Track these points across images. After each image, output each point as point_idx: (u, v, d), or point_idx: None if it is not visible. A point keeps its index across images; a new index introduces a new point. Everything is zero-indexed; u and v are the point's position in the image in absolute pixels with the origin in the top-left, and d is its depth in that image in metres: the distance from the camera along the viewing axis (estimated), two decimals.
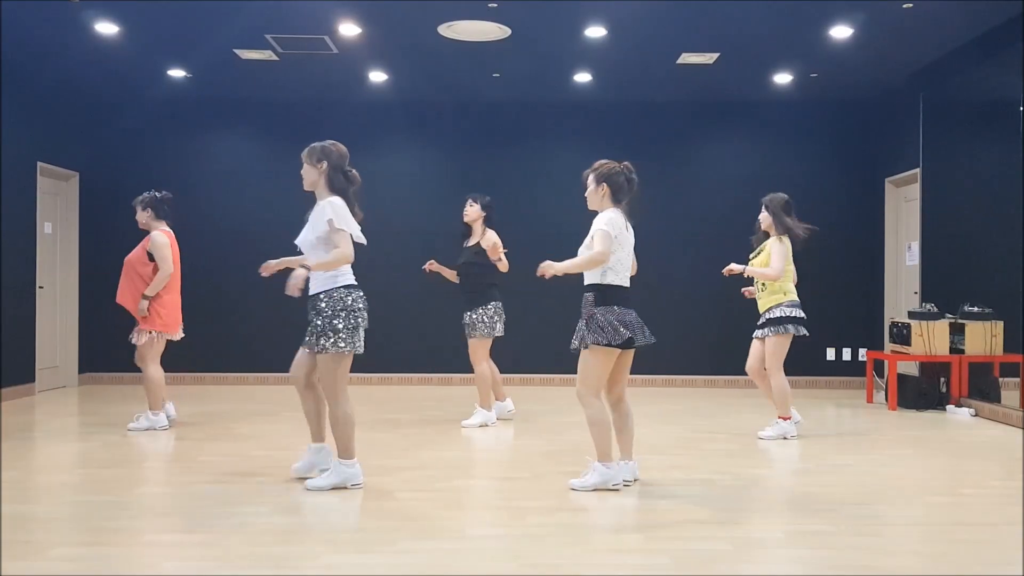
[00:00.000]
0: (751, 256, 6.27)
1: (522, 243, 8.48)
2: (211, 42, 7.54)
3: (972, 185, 7.92)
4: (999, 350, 7.42)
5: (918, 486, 4.75)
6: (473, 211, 6.68)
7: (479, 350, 6.62)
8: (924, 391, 7.62)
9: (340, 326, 4.37)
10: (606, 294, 4.49)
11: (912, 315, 7.76)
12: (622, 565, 3.35)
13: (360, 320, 4.46)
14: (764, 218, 6.18)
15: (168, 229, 6.40)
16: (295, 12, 6.81)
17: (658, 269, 9.34)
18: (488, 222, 6.71)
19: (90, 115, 9.37)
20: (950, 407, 7.48)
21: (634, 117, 9.52)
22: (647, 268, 9.48)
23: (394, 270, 9.08)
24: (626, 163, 4.60)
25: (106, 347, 9.35)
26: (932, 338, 7.55)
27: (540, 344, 9.19)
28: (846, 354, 9.51)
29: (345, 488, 4.51)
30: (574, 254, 4.62)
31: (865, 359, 9.20)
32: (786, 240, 6.06)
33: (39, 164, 8.50)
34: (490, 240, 6.58)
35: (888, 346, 8.28)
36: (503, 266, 6.58)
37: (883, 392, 8.19)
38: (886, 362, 8.25)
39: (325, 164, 4.49)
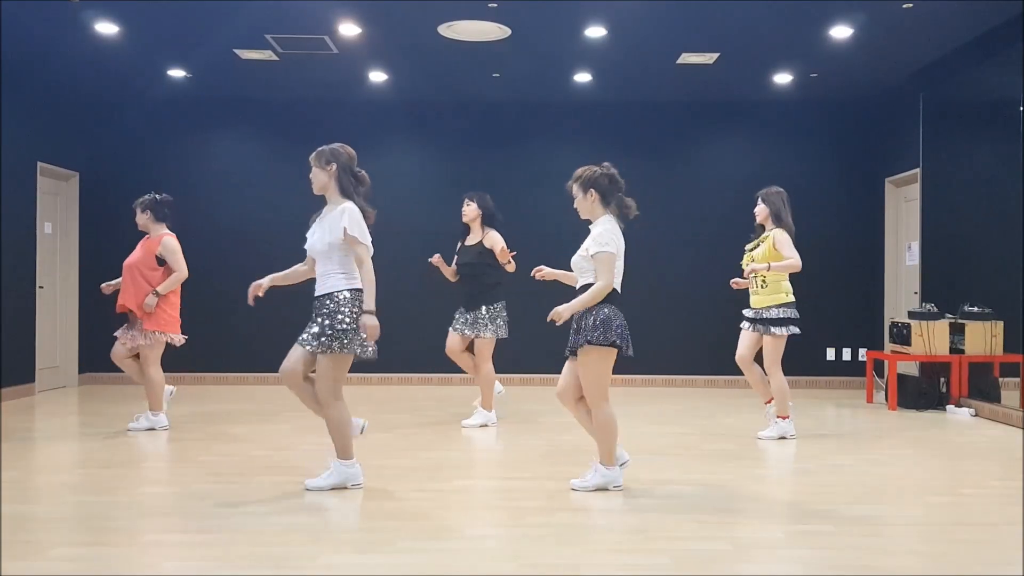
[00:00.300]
0: (748, 248, 6.28)
1: (522, 243, 8.46)
2: (211, 42, 7.54)
3: (972, 185, 7.92)
4: (999, 350, 7.42)
5: (918, 486, 4.75)
6: (470, 210, 6.64)
7: (486, 350, 6.60)
8: (924, 391, 7.62)
9: (347, 328, 4.38)
10: (610, 294, 4.44)
11: (912, 315, 7.77)
12: (622, 565, 3.35)
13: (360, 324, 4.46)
14: (761, 211, 6.22)
15: (170, 232, 6.41)
16: (295, 12, 6.81)
17: (658, 269, 9.36)
18: (490, 221, 6.66)
19: (90, 115, 9.37)
20: (950, 407, 7.48)
21: (634, 117, 9.53)
22: (647, 268, 9.57)
23: (394, 270, 9.06)
24: (604, 163, 4.57)
25: (106, 347, 9.23)
26: (932, 338, 7.55)
27: (540, 344, 9.17)
28: (846, 354, 9.51)
29: (345, 488, 4.51)
30: (574, 254, 4.59)
31: (865, 359, 9.20)
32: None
33: (39, 164, 8.50)
34: (497, 244, 6.52)
35: (888, 346, 8.28)
36: (511, 267, 6.56)
37: (883, 392, 8.19)
38: (886, 362, 8.25)
39: (334, 166, 4.52)
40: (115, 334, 6.43)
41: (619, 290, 4.48)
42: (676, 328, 9.36)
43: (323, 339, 4.37)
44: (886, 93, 9.12)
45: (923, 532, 3.86)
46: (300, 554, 3.46)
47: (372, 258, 4.47)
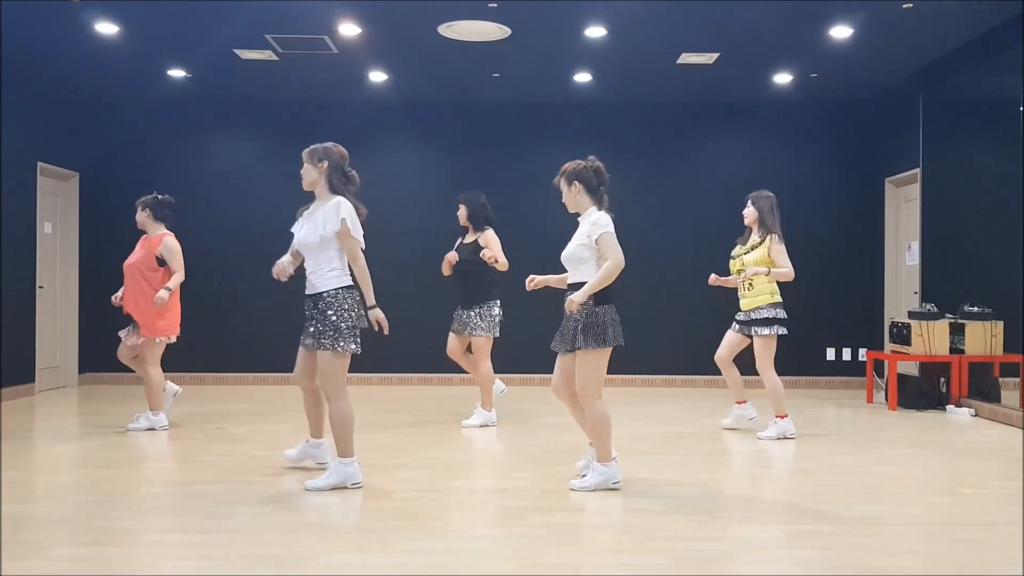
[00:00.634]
0: (741, 253, 6.34)
1: (522, 243, 8.50)
2: (211, 42, 7.54)
3: (972, 185, 7.92)
4: (999, 350, 7.42)
5: (918, 486, 4.75)
6: (462, 214, 6.76)
7: (482, 348, 6.62)
8: (924, 391, 7.62)
9: (343, 326, 4.45)
10: (606, 292, 4.48)
11: (912, 315, 7.76)
12: (622, 565, 3.35)
13: (360, 321, 4.54)
14: (749, 213, 6.30)
15: (169, 232, 6.43)
16: (295, 12, 6.81)
17: (658, 269, 9.35)
18: (476, 220, 6.68)
19: (90, 115, 9.37)
20: (950, 407, 7.48)
21: (634, 117, 9.53)
22: (647, 268, 9.58)
23: (394, 270, 9.09)
24: (591, 157, 4.67)
25: (106, 347, 9.32)
26: (932, 338, 7.55)
27: (540, 344, 9.15)
28: (846, 354, 9.51)
29: (345, 488, 4.52)
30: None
31: (865, 359, 9.21)
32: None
33: (39, 164, 8.50)
34: (490, 244, 6.58)
35: (888, 346, 8.28)
36: (501, 266, 6.57)
37: (883, 392, 8.19)
38: (886, 362, 8.25)
39: (326, 164, 4.58)
40: (119, 333, 6.45)
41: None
42: (676, 328, 9.36)
43: (321, 338, 4.44)
44: (886, 93, 9.12)
45: (923, 532, 3.86)
46: (300, 554, 3.46)
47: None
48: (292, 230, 4.74)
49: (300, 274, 4.75)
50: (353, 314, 4.50)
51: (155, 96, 9.28)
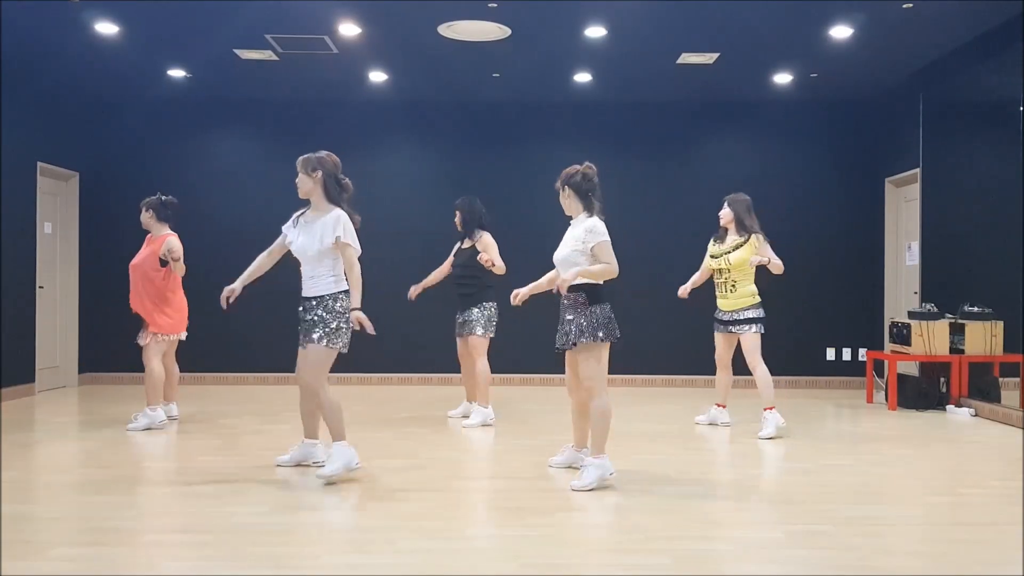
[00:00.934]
0: (721, 252, 6.47)
1: (521, 243, 8.50)
2: (211, 42, 7.54)
3: (972, 185, 7.92)
4: (999, 350, 7.42)
5: (918, 486, 4.76)
6: (458, 220, 6.85)
7: (480, 347, 6.69)
8: (924, 391, 7.62)
9: (336, 327, 4.69)
10: (598, 293, 4.68)
11: (912, 315, 7.76)
12: (622, 565, 3.35)
13: (350, 324, 4.75)
14: (726, 214, 6.50)
15: (172, 232, 6.53)
16: (295, 12, 6.81)
17: (658, 269, 9.35)
18: (468, 225, 6.79)
19: (90, 115, 9.37)
20: (950, 407, 7.48)
21: (634, 117, 9.52)
22: (647, 268, 9.57)
23: (393, 270, 9.08)
24: (586, 163, 4.81)
25: (106, 347, 9.36)
26: (932, 338, 7.55)
27: (540, 344, 9.17)
28: (846, 354, 9.51)
29: (346, 477, 4.61)
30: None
31: (865, 359, 9.20)
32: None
33: (39, 164, 8.50)
34: (488, 249, 6.66)
35: (888, 346, 8.28)
36: (498, 270, 6.63)
37: (883, 392, 8.19)
38: (886, 362, 8.25)
39: (320, 173, 4.79)
40: (136, 341, 6.52)
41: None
42: (676, 328, 9.36)
43: (316, 333, 4.67)
44: (886, 93, 9.12)
45: (923, 532, 3.86)
46: (300, 554, 3.46)
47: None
48: (283, 229, 4.93)
49: (297, 274, 4.84)
50: (347, 316, 4.72)
51: (155, 96, 9.28)
